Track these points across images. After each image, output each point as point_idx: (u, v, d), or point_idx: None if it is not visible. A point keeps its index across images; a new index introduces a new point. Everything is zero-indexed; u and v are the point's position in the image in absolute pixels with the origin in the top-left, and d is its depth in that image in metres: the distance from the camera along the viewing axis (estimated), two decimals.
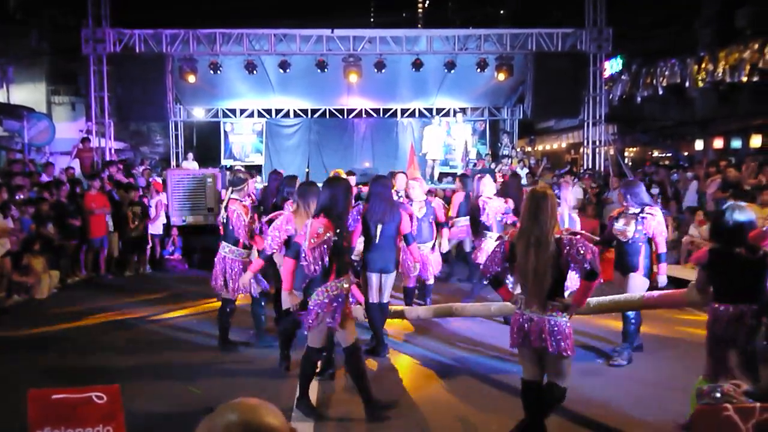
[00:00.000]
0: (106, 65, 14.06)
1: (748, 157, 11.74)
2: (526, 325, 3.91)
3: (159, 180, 12.44)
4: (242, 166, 17.23)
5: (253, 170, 17.80)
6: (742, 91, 15.85)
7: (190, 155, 16.44)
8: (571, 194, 7.98)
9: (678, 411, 4.49)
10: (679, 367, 5.69)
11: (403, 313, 6.91)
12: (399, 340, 6.71)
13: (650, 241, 5.75)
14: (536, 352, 3.95)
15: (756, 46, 11.48)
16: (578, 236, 3.86)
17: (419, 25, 33.04)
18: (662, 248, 5.79)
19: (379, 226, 5.99)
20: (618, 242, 5.96)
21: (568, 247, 3.76)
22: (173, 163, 17.41)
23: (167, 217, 11.46)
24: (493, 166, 16.49)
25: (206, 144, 19.13)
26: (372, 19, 31.97)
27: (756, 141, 15.30)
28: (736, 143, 16.48)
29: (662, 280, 5.86)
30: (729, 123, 16.70)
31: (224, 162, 17.86)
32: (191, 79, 14.56)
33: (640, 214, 5.71)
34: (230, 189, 6.30)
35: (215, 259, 6.35)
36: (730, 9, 16.81)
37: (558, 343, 3.81)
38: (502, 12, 31.71)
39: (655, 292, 5.68)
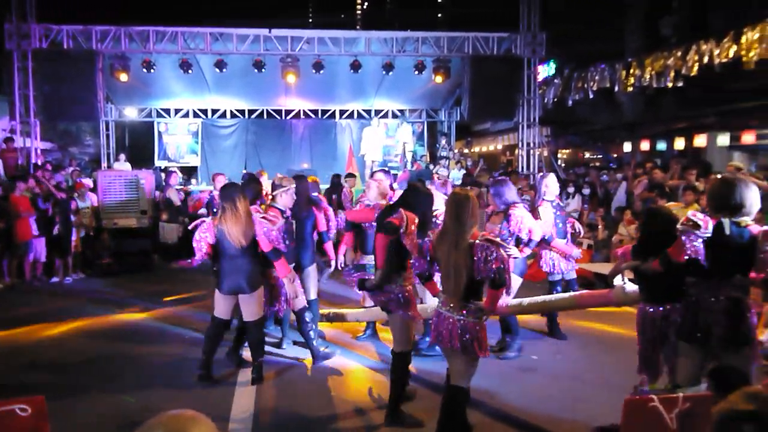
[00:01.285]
0: (32, 62, 13.46)
1: (672, 159, 12.25)
2: (440, 323, 3.96)
3: (85, 181, 12.00)
4: (177, 167, 16.88)
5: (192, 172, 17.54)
6: (666, 96, 16.57)
7: (122, 156, 15.96)
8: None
9: (607, 407, 4.64)
10: (611, 362, 5.89)
11: (345, 316, 6.89)
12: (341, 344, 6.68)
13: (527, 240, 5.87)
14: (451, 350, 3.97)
15: (679, 53, 12.00)
16: (492, 244, 3.83)
17: (357, 27, 33.13)
18: (533, 236, 5.86)
19: (294, 223, 6.00)
20: None
21: (479, 254, 3.78)
22: (104, 164, 16.85)
23: (98, 220, 11.09)
24: (431, 167, 16.71)
25: (139, 145, 18.59)
26: (310, 20, 31.90)
27: (679, 143, 16.02)
28: (662, 145, 17.21)
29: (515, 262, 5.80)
30: (655, 126, 17.43)
31: (158, 163, 17.45)
32: (123, 77, 14.12)
33: (506, 213, 5.87)
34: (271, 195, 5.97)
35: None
36: (655, 18, 17.58)
37: (467, 343, 3.83)
38: (440, 15, 32.18)
39: (585, 292, 5.87)
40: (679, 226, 3.69)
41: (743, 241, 3.55)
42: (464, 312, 3.86)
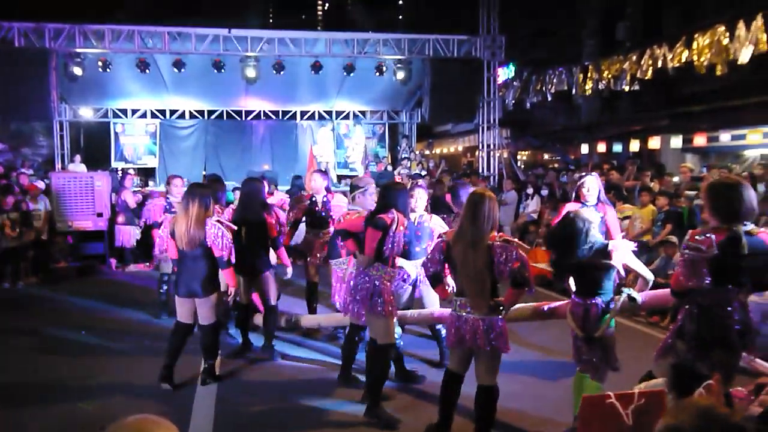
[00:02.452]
0: None
1: (628, 160, 12.53)
2: (461, 326, 3.99)
3: (38, 183, 11.67)
4: (135, 168, 16.57)
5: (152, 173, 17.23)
6: (622, 99, 16.97)
7: (78, 157, 15.59)
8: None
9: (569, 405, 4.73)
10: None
11: (305, 321, 6.83)
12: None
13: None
14: (469, 350, 4.04)
15: (634, 57, 12.28)
16: (512, 244, 3.92)
17: (318, 28, 33.01)
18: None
19: (244, 228, 5.96)
20: None
21: (499, 255, 3.84)
22: (58, 165, 16.40)
23: (51, 222, 10.80)
24: (390, 168, 16.79)
25: (95, 145, 18.15)
26: (271, 20, 31.66)
27: (634, 145, 16.43)
28: (618, 147, 17.62)
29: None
30: (611, 128, 17.84)
31: (115, 164, 17.10)
32: (78, 74, 13.76)
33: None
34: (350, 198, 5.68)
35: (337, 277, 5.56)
36: (611, 22, 17.98)
37: (491, 341, 3.90)
38: (400, 17, 32.30)
39: (555, 303, 5.94)
40: (685, 251, 3.41)
41: (759, 251, 3.31)
42: (486, 310, 3.93)
